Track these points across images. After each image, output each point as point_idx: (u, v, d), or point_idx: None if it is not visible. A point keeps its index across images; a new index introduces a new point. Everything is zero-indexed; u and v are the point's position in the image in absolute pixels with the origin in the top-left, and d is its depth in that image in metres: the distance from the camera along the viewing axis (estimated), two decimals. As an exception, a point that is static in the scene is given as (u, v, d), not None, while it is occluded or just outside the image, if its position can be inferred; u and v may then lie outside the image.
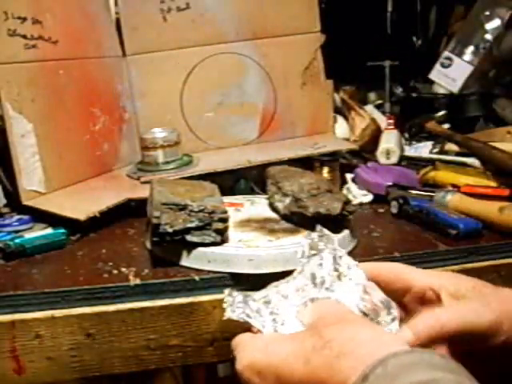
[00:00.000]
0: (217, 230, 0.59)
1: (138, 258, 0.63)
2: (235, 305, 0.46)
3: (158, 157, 0.86)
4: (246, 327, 0.45)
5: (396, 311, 0.42)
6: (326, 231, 0.50)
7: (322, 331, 0.38)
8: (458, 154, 0.95)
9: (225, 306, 0.46)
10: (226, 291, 0.47)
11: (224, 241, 0.59)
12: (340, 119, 1.09)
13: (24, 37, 0.74)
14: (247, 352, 0.41)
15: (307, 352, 0.37)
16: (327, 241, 0.48)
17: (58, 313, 0.54)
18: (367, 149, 1.04)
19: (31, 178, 0.74)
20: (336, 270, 0.46)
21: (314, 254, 0.48)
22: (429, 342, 0.38)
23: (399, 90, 1.30)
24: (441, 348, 0.39)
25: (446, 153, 0.98)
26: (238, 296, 0.47)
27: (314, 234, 0.50)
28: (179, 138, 0.88)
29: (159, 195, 0.62)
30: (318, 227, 0.51)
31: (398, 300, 0.44)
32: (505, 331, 0.37)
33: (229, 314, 0.45)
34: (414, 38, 1.41)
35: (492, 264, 0.63)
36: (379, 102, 1.31)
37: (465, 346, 0.38)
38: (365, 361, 0.33)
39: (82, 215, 0.69)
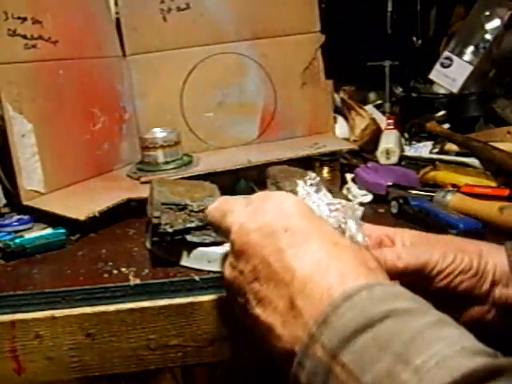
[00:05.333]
0: (217, 230, 0.59)
1: (138, 258, 0.63)
2: None
3: (158, 157, 0.86)
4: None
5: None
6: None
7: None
8: (458, 154, 0.95)
9: None
10: None
11: (224, 241, 0.59)
12: (340, 119, 1.09)
13: (24, 37, 0.74)
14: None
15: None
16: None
17: (58, 313, 0.54)
18: (367, 149, 1.04)
19: (31, 178, 0.74)
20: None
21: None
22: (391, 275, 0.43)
23: (399, 90, 1.30)
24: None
25: (446, 153, 0.98)
26: None
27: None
28: (179, 137, 0.88)
29: (159, 195, 0.62)
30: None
31: None
32: (450, 262, 0.46)
33: None
34: (414, 38, 1.41)
35: (492, 264, 0.63)
36: (379, 101, 1.31)
37: (422, 282, 0.46)
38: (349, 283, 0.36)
39: (82, 215, 0.69)
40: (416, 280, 0.46)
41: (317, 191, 0.50)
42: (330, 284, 0.36)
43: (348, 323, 0.33)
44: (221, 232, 0.47)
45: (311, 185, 0.51)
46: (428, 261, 0.46)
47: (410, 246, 0.49)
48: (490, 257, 0.48)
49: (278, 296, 0.38)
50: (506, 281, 0.47)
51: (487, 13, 1.19)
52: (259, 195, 0.45)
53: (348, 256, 0.38)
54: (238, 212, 0.44)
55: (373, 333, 0.33)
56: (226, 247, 0.57)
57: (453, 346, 0.31)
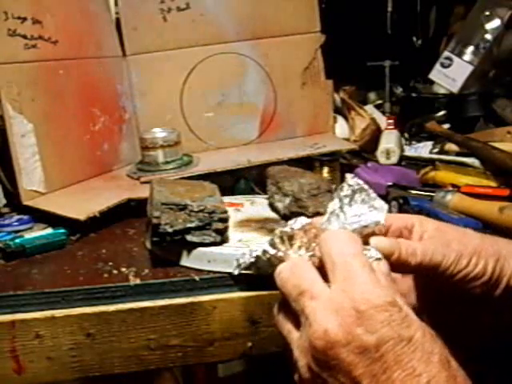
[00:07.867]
0: (217, 229, 0.59)
1: (138, 258, 0.63)
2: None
3: (158, 157, 0.86)
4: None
5: None
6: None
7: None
8: (458, 154, 0.95)
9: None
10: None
11: (224, 241, 0.59)
12: (340, 119, 1.09)
13: (24, 37, 0.74)
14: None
15: None
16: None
17: (58, 313, 0.54)
18: (367, 149, 1.04)
19: (31, 178, 0.74)
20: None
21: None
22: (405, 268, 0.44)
23: (399, 90, 1.30)
24: (407, 278, 0.50)
25: (446, 153, 0.98)
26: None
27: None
28: (179, 137, 0.88)
29: (159, 195, 0.62)
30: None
31: None
32: (463, 267, 0.45)
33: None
34: (414, 38, 1.41)
35: (492, 264, 0.63)
36: (379, 101, 1.31)
37: (434, 282, 0.46)
38: None
39: (82, 215, 0.69)
40: (429, 278, 0.45)
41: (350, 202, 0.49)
42: None
43: None
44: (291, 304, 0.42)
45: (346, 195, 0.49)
46: (440, 263, 0.44)
47: (427, 241, 0.47)
48: (507, 261, 0.46)
49: None
50: None
51: (487, 13, 1.19)
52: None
53: None
54: (319, 305, 0.38)
55: None
56: (227, 248, 0.57)
57: None
